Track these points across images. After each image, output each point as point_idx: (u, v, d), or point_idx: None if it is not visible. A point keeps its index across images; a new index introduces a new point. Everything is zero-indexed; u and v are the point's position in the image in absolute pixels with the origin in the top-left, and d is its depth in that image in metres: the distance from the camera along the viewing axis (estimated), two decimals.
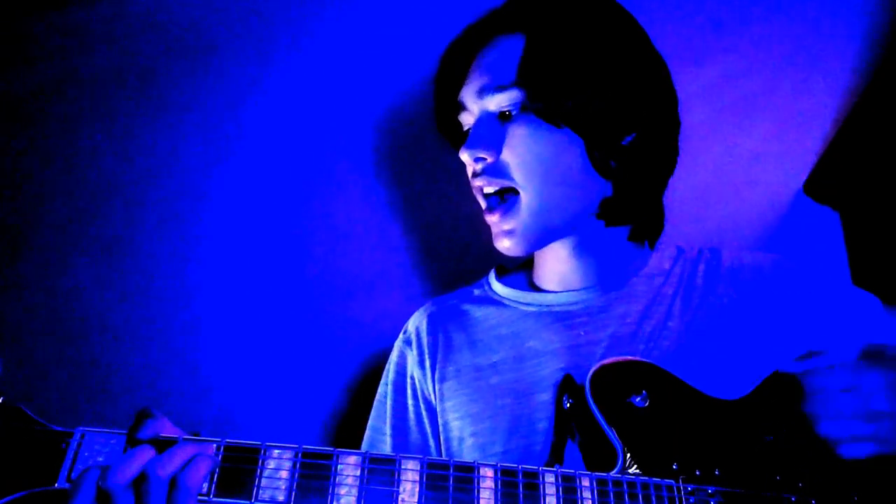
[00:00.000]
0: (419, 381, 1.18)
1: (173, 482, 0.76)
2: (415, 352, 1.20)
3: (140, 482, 0.75)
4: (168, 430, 0.82)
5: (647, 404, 0.94)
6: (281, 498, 0.79)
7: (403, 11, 1.82)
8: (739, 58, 1.63)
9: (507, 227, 1.06)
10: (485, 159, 1.05)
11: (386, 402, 1.20)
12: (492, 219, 1.08)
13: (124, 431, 0.80)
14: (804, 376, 0.93)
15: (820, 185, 1.54)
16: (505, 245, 1.08)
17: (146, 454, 0.77)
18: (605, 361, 0.97)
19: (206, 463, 0.78)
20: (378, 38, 1.83)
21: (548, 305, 1.14)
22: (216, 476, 0.79)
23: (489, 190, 1.07)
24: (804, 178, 1.56)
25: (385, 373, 1.24)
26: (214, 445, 0.80)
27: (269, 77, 1.89)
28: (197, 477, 0.76)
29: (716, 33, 1.65)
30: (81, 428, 0.80)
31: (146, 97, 1.96)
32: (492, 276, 1.25)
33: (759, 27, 1.63)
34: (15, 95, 2.02)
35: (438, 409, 1.14)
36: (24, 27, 1.97)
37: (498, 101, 1.04)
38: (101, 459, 0.79)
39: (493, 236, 1.10)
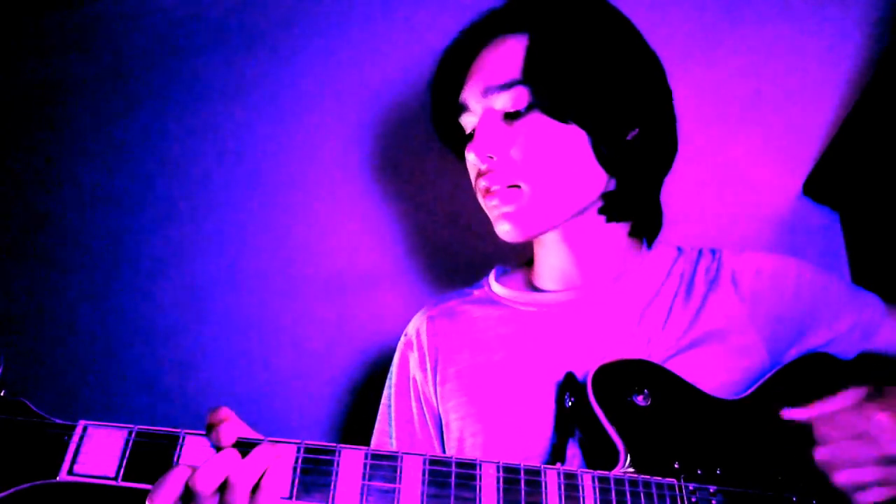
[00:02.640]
0: (420, 383, 1.19)
1: (256, 488, 0.76)
2: (416, 354, 1.21)
3: (224, 488, 0.76)
4: (245, 430, 0.82)
5: (648, 403, 0.94)
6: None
7: (402, 12, 1.82)
8: (739, 58, 1.63)
9: (506, 209, 1.06)
10: (492, 158, 1.05)
11: (390, 406, 1.21)
12: (491, 202, 1.08)
13: (127, 425, 0.80)
14: (813, 426, 0.91)
15: (820, 185, 1.53)
16: (504, 228, 1.08)
17: (232, 459, 0.77)
18: (607, 360, 0.97)
19: (287, 467, 0.79)
20: (376, 39, 1.84)
21: (547, 305, 1.14)
22: (298, 478, 0.79)
23: (495, 189, 1.07)
24: (804, 178, 1.55)
25: (389, 376, 1.25)
26: (295, 447, 0.81)
27: (268, 77, 1.89)
28: (278, 483, 0.77)
29: (715, 33, 1.65)
30: (83, 421, 0.80)
31: (145, 98, 1.96)
32: (491, 277, 1.26)
33: (759, 27, 1.63)
34: (16, 95, 2.02)
35: (440, 411, 1.15)
36: (26, 27, 1.96)
37: (503, 100, 1.04)
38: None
39: (493, 221, 1.10)
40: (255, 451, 0.78)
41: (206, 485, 0.74)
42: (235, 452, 0.78)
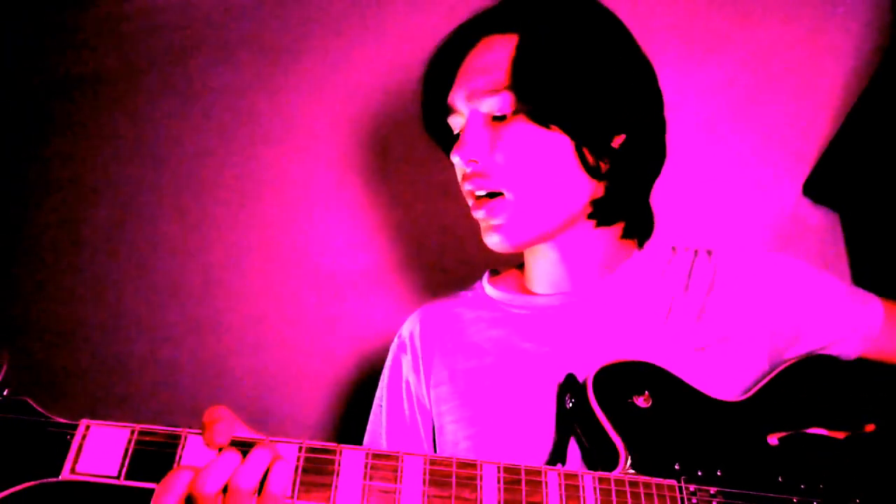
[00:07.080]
0: (414, 386, 1.18)
1: (259, 489, 0.76)
2: (409, 356, 1.21)
3: (227, 491, 0.75)
4: (241, 428, 0.81)
5: (649, 405, 0.95)
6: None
7: (399, 12, 1.82)
8: (739, 57, 1.63)
9: (494, 222, 1.06)
10: (476, 162, 1.04)
11: (382, 408, 1.21)
12: (478, 214, 1.08)
13: (129, 424, 0.79)
14: None
15: (820, 185, 1.53)
16: (493, 241, 1.08)
17: (233, 461, 0.76)
18: (607, 361, 0.97)
19: (288, 467, 0.78)
20: (373, 40, 1.84)
21: (540, 308, 1.14)
22: (299, 478, 0.79)
23: (479, 193, 1.07)
24: (804, 178, 1.56)
25: (381, 377, 1.25)
26: (296, 447, 0.81)
27: (266, 78, 1.89)
28: (282, 483, 0.77)
29: (716, 33, 1.65)
30: (86, 420, 0.79)
31: (151, 98, 1.96)
32: (485, 280, 1.25)
33: (759, 27, 1.63)
34: (33, 93, 2.01)
35: (434, 414, 1.15)
36: (51, 22, 1.96)
37: (490, 104, 1.03)
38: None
39: (482, 232, 1.10)
40: (255, 452, 0.77)
41: (210, 488, 0.74)
42: (236, 454, 0.77)
